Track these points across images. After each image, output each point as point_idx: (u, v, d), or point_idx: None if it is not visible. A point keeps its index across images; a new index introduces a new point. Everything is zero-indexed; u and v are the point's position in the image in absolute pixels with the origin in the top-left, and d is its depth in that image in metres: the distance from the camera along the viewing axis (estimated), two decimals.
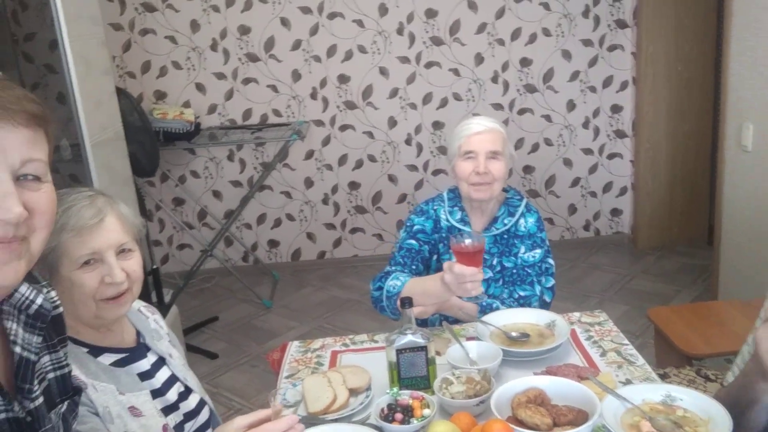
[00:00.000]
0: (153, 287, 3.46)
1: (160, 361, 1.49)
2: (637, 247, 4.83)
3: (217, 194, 4.74)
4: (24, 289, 0.95)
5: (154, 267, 3.55)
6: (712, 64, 4.50)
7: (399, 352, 1.55)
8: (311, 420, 1.48)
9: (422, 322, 2.12)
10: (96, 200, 1.35)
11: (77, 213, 1.30)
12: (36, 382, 0.99)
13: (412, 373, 1.57)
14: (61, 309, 1.08)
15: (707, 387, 2.17)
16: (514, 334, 1.78)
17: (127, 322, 1.49)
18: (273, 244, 4.89)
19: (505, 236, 2.06)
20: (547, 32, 4.52)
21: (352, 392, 1.59)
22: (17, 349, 0.92)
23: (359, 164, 4.74)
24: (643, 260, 4.65)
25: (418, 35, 4.48)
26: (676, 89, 4.55)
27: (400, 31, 4.47)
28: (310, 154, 4.70)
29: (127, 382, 1.37)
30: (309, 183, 4.76)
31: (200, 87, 4.50)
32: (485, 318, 1.85)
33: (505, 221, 2.07)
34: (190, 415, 1.49)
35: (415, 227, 2.12)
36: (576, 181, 4.86)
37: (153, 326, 1.56)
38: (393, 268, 2.04)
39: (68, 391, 1.08)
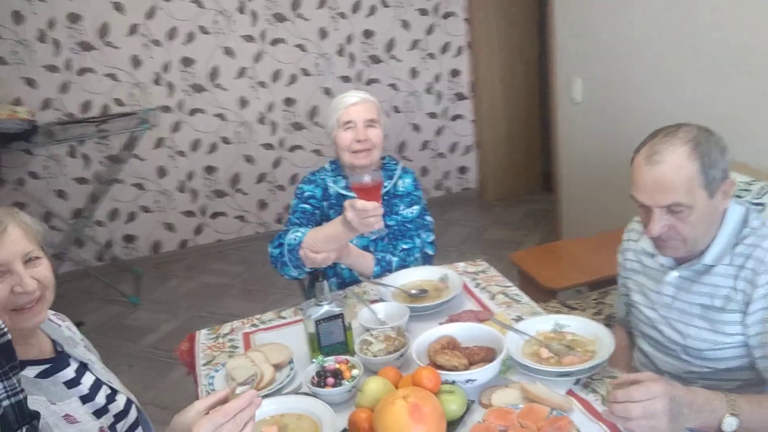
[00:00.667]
0: None
1: (83, 367, 1.46)
2: (485, 200, 5.22)
3: (61, 194, 4.45)
4: None
5: None
6: (536, 25, 4.90)
7: (318, 322, 1.64)
8: None
9: None
10: None
11: None
12: None
13: (332, 341, 1.66)
14: (8, 336, 1.08)
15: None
16: (413, 291, 1.93)
17: (41, 333, 1.44)
18: (129, 239, 4.71)
19: (386, 197, 2.21)
20: (385, 3, 4.69)
21: (276, 368, 1.65)
22: None
23: (213, 147, 4.66)
24: (492, 212, 5.04)
25: (260, 13, 4.45)
26: (508, 50, 4.92)
27: (241, 10, 4.41)
28: (159, 142, 4.55)
29: (55, 391, 1.35)
30: (162, 172, 4.61)
31: (30, 82, 4.17)
32: (384, 280, 1.98)
33: (385, 183, 2.21)
34: (120, 416, 1.49)
35: (306, 193, 2.21)
36: (425, 144, 5.13)
37: (67, 334, 1.52)
38: (290, 227, 2.11)
39: (25, 417, 1.08)
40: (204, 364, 1.77)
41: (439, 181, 5.26)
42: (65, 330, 1.53)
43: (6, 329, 1.08)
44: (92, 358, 1.53)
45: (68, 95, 4.25)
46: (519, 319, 1.77)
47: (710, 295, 1.47)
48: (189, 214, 4.77)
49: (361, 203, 1.74)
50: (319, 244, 1.86)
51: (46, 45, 4.14)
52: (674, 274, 1.54)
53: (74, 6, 4.12)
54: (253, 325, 1.95)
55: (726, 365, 1.50)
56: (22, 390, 1.08)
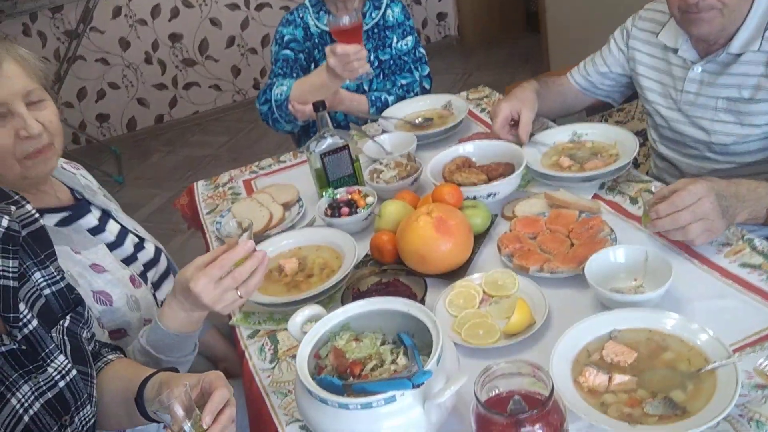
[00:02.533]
0: None
1: (106, 215, 1.38)
2: (466, 45, 5.02)
3: None
4: None
5: None
6: None
7: (323, 156, 1.55)
8: (256, 239, 1.46)
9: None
10: None
11: None
12: (24, 306, 0.93)
13: (340, 174, 1.58)
14: (39, 223, 1.01)
15: None
16: (417, 120, 1.83)
17: (56, 181, 1.34)
18: (102, 118, 4.50)
19: (376, 30, 2.06)
20: None
21: (285, 207, 1.58)
22: None
23: (175, 12, 4.36)
24: (475, 56, 4.86)
25: None
26: None
27: None
28: (117, 12, 4.24)
29: (79, 240, 1.27)
30: (125, 44, 4.34)
31: None
32: (385, 113, 1.88)
33: (373, 15, 2.05)
34: (150, 264, 1.43)
35: (286, 38, 2.05)
36: None
37: (84, 182, 1.42)
38: (273, 80, 1.98)
39: (70, 304, 1.03)
40: (208, 213, 1.70)
41: (418, 29, 5.02)
42: (81, 178, 1.43)
43: (37, 215, 1.01)
44: (113, 206, 1.45)
45: None
46: (531, 135, 1.69)
47: (738, 86, 1.39)
48: (161, 87, 4.55)
49: (341, 48, 1.62)
50: (306, 95, 1.75)
51: None
52: (698, 69, 1.44)
53: None
54: (252, 172, 1.86)
55: (752, 158, 1.44)
56: (63, 278, 1.03)
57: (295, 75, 2.01)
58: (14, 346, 0.89)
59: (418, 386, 0.83)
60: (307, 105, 1.77)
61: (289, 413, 1.05)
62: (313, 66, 2.06)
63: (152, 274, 1.41)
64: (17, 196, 1.00)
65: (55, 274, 1.02)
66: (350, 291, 1.20)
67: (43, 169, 1.20)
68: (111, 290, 1.23)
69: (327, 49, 1.66)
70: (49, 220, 1.25)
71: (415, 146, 1.67)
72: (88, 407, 1.00)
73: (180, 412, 0.86)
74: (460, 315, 1.15)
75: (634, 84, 1.64)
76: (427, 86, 2.13)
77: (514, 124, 1.57)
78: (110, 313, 1.22)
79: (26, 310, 0.92)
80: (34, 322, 0.93)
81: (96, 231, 1.33)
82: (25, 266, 0.96)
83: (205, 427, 0.86)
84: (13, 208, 0.96)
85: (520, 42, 4.84)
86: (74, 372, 0.97)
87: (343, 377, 0.96)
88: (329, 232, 1.41)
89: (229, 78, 4.65)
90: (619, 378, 0.92)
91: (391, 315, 1.01)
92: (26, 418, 0.90)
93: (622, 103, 1.79)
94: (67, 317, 1.01)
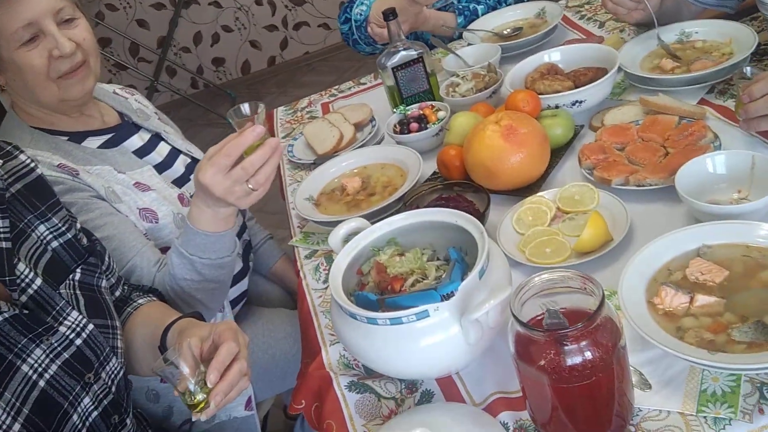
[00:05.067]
0: None
1: (156, 137, 1.37)
2: None
3: (141, 23, 4.35)
4: None
5: None
6: None
7: (395, 70, 1.44)
8: (324, 160, 1.39)
9: None
10: None
11: None
12: (25, 265, 0.87)
13: (415, 89, 1.46)
14: (36, 172, 0.95)
15: None
16: (506, 31, 1.66)
17: (105, 105, 1.34)
18: (218, 62, 4.60)
19: None
20: None
21: (357, 127, 1.50)
22: None
23: None
24: None
25: None
26: None
27: None
28: None
29: (123, 161, 1.26)
30: None
31: None
32: (472, 25, 1.73)
33: None
34: None
35: None
36: None
37: (135, 106, 1.42)
38: None
39: (82, 254, 0.97)
40: (283, 137, 1.65)
41: None
42: (133, 102, 1.42)
43: (33, 164, 0.96)
44: (168, 129, 1.43)
45: None
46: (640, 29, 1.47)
47: None
48: (272, 28, 4.56)
49: None
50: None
51: None
52: None
53: None
54: (332, 95, 1.79)
55: None
56: (70, 227, 0.97)
57: None
58: (16, 311, 0.83)
59: (447, 298, 0.73)
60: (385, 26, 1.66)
61: (334, 334, 0.99)
62: None
63: None
64: (9, 147, 0.96)
65: (60, 225, 0.96)
66: (408, 208, 1.10)
67: (80, 89, 1.18)
68: (157, 208, 1.21)
69: None
70: (92, 143, 1.24)
71: (499, 57, 1.51)
72: (114, 360, 0.94)
73: (185, 369, 0.79)
74: (528, 232, 1.02)
75: None
76: None
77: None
78: (156, 230, 1.20)
79: (27, 270, 0.87)
80: (38, 281, 0.88)
81: (143, 152, 1.31)
82: (26, 221, 0.91)
83: (210, 385, 0.79)
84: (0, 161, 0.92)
85: None
86: (90, 327, 0.91)
87: (384, 294, 0.87)
88: (395, 150, 1.31)
89: (337, 15, 4.57)
90: (702, 299, 0.77)
91: (440, 229, 0.91)
92: (42, 383, 0.84)
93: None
94: (78, 270, 0.95)
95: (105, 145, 1.26)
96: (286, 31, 4.60)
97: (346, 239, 0.94)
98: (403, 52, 1.44)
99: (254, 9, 4.47)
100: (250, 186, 0.97)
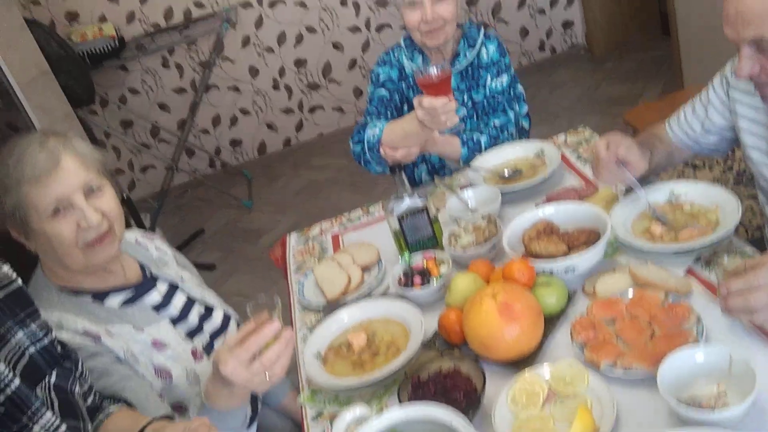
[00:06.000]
0: (129, 216, 3.38)
1: (173, 288, 1.45)
2: (595, 54, 4.76)
3: (163, 106, 4.53)
4: None
5: (125, 196, 3.45)
6: None
7: (401, 218, 1.53)
8: (332, 307, 1.47)
9: (415, 181, 2.10)
10: (47, 142, 1.23)
11: (31, 161, 1.20)
12: (5, 366, 0.94)
13: (419, 236, 1.55)
14: (17, 283, 1.02)
15: (698, 176, 2.21)
16: (506, 172, 1.75)
17: (127, 257, 1.43)
18: (235, 143, 4.76)
19: (470, 69, 2.00)
20: None
21: (365, 269, 1.58)
22: None
23: (299, 39, 4.51)
24: (603, 66, 4.60)
25: None
26: None
27: None
28: (246, 41, 4.45)
29: (142, 317, 1.34)
30: (254, 71, 4.55)
31: None
32: (474, 163, 1.82)
33: (467, 54, 1.99)
34: (217, 333, 1.48)
35: (381, 77, 2.05)
36: (522, 2, 4.69)
37: (156, 254, 1.50)
38: (367, 118, 1.99)
39: (57, 360, 1.04)
40: (295, 271, 1.73)
41: (542, 40, 4.84)
42: (153, 251, 1.51)
43: (14, 275, 1.03)
44: (185, 275, 1.51)
45: (149, 5, 4.21)
46: (629, 191, 1.56)
47: None
48: (288, 111, 4.73)
49: (428, 101, 1.58)
50: (397, 140, 1.74)
51: None
52: None
53: None
54: (342, 225, 1.88)
55: None
56: (47, 333, 1.04)
57: (389, 113, 2.01)
58: None
59: None
60: (397, 150, 1.76)
61: None
62: (406, 106, 2.04)
63: (219, 343, 1.45)
64: None
65: (38, 331, 1.03)
66: (409, 380, 1.17)
67: (104, 256, 1.27)
68: (172, 365, 1.29)
69: (414, 100, 1.64)
70: (114, 301, 1.32)
71: (499, 204, 1.60)
72: None
73: None
74: (522, 416, 1.08)
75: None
76: (526, 125, 2.04)
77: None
78: (170, 388, 1.28)
79: (6, 370, 0.93)
80: (17, 381, 0.94)
81: (160, 307, 1.39)
82: (6, 326, 0.98)
83: None
84: None
85: (654, 47, 4.51)
86: (63, 427, 0.97)
87: None
88: (399, 306, 1.39)
89: (351, 99, 4.74)
90: None
91: (437, 423, 0.98)
92: None
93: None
94: (53, 372, 1.02)
95: (126, 303, 1.35)
96: (302, 113, 4.76)
97: (350, 428, 1.01)
98: (409, 202, 1.53)
99: (271, 93, 4.64)
100: (267, 378, 1.06)
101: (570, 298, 1.29)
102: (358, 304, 1.44)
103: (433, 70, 1.63)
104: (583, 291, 1.31)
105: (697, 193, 1.41)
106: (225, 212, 4.31)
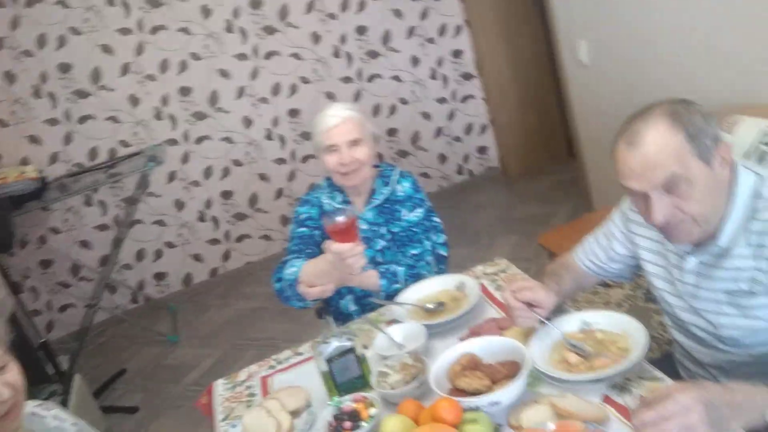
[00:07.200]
0: (47, 360, 3.23)
1: None
2: (509, 177, 5.06)
3: (85, 244, 4.46)
4: None
5: (42, 340, 3.31)
6: None
7: (329, 360, 1.55)
8: None
9: (341, 313, 2.13)
10: None
11: None
12: None
13: (348, 377, 1.56)
14: None
15: (610, 294, 2.33)
16: (429, 305, 1.81)
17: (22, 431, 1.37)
18: (160, 276, 4.69)
19: (387, 204, 2.12)
20: None
21: (294, 414, 1.56)
22: None
23: (226, 172, 4.61)
24: (517, 188, 4.88)
25: (249, 29, 4.36)
26: (505, 22, 4.73)
27: (229, 29, 4.33)
28: (172, 176, 4.51)
29: None
30: (180, 205, 4.58)
31: (34, 139, 4.17)
32: (398, 299, 1.88)
33: (383, 191, 2.11)
34: None
35: (302, 216, 2.16)
36: (438, 131, 4.99)
37: (53, 424, 1.44)
38: (289, 257, 2.05)
39: None
40: (222, 420, 1.70)
41: (460, 165, 5.11)
42: (51, 420, 1.45)
43: None
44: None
45: (73, 145, 4.24)
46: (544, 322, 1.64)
47: (734, 279, 1.32)
48: (214, 242, 4.73)
49: (336, 246, 1.69)
50: (314, 278, 1.81)
51: (43, 99, 4.12)
52: (693, 260, 1.38)
53: (62, 56, 4.09)
54: (271, 367, 1.87)
55: (766, 349, 1.34)
56: None
57: (309, 251, 2.07)
58: None
59: None
60: (314, 287, 1.82)
61: None
62: (327, 240, 2.11)
63: None
64: None
65: None
66: None
67: (11, 426, 1.23)
68: None
69: (324, 246, 1.73)
70: None
71: (425, 340, 1.64)
72: None
73: None
74: None
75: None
76: (443, 253, 2.14)
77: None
78: None
79: None
80: None
81: None
82: None
83: None
84: None
85: (563, 170, 4.82)
86: None
87: None
88: None
89: (278, 227, 4.80)
90: None
91: None
92: None
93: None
94: None
95: None
96: (228, 243, 4.77)
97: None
98: (336, 344, 1.55)
99: (197, 225, 4.65)
100: None
101: (497, 431, 1.32)
102: None
103: (339, 218, 1.73)
104: (509, 425, 1.34)
105: (607, 321, 1.50)
106: (148, 349, 4.17)
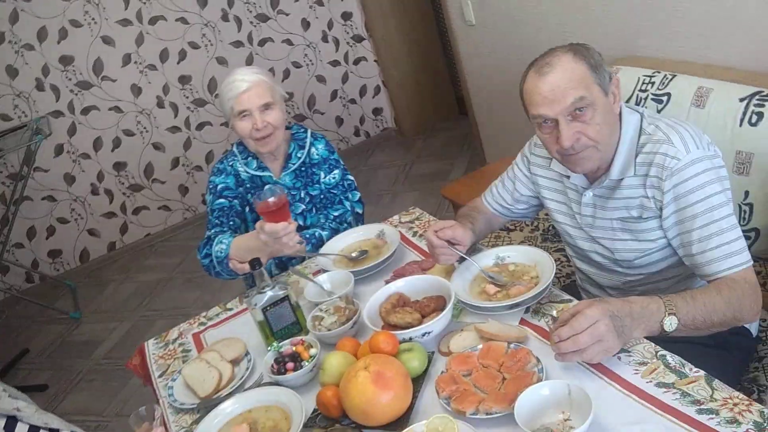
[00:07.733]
0: None
1: (12, 420, 1.41)
2: (404, 136, 5.21)
3: None
4: None
5: None
6: None
7: (265, 310, 1.62)
8: (207, 404, 1.51)
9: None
10: None
11: None
12: None
13: (283, 324, 1.65)
14: None
15: (512, 237, 2.53)
16: (354, 254, 1.92)
17: None
18: (55, 254, 4.51)
19: (303, 168, 2.16)
20: None
21: (234, 363, 1.63)
22: None
23: (117, 143, 4.46)
24: (414, 147, 5.05)
25: None
26: None
27: None
28: (59, 149, 4.32)
29: None
30: (70, 179, 4.40)
31: None
32: (322, 249, 1.97)
33: (298, 155, 2.16)
34: None
35: (219, 186, 2.14)
36: (334, 94, 5.05)
37: None
38: (212, 231, 2.06)
39: None
40: (159, 376, 1.74)
41: (357, 127, 5.21)
42: None
43: None
44: (20, 405, 1.47)
45: None
46: (461, 259, 1.79)
47: (626, 207, 1.51)
48: (110, 215, 4.60)
49: (269, 226, 1.74)
50: (244, 255, 1.87)
51: None
52: (589, 194, 1.56)
53: None
54: (201, 324, 1.91)
55: (657, 268, 1.55)
56: None
57: (231, 223, 2.10)
58: None
59: None
60: (245, 263, 1.87)
61: None
62: (248, 209, 2.15)
63: None
64: None
65: None
66: None
67: None
68: None
69: (257, 225, 1.78)
70: None
71: (353, 285, 1.75)
72: None
73: None
74: None
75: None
76: (359, 210, 2.22)
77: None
78: None
79: None
80: None
81: None
82: None
83: None
84: None
85: (456, 127, 5.04)
86: None
87: None
88: (276, 392, 1.46)
89: (177, 197, 4.72)
90: None
91: None
92: None
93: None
94: None
95: None
96: (126, 215, 4.65)
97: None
98: (271, 293, 1.62)
99: (90, 199, 4.50)
100: None
101: (430, 359, 1.45)
102: (235, 396, 1.49)
103: (271, 199, 1.78)
104: (440, 351, 1.49)
105: (518, 254, 1.67)
106: (51, 327, 4.03)
